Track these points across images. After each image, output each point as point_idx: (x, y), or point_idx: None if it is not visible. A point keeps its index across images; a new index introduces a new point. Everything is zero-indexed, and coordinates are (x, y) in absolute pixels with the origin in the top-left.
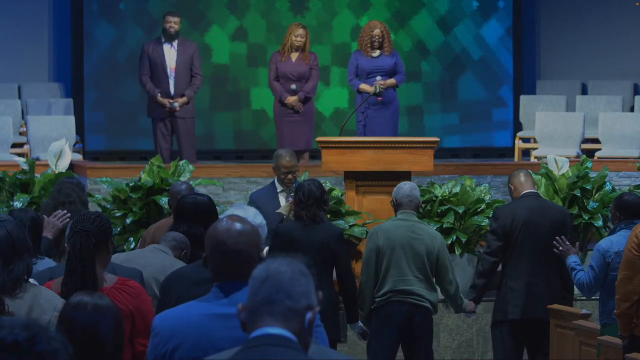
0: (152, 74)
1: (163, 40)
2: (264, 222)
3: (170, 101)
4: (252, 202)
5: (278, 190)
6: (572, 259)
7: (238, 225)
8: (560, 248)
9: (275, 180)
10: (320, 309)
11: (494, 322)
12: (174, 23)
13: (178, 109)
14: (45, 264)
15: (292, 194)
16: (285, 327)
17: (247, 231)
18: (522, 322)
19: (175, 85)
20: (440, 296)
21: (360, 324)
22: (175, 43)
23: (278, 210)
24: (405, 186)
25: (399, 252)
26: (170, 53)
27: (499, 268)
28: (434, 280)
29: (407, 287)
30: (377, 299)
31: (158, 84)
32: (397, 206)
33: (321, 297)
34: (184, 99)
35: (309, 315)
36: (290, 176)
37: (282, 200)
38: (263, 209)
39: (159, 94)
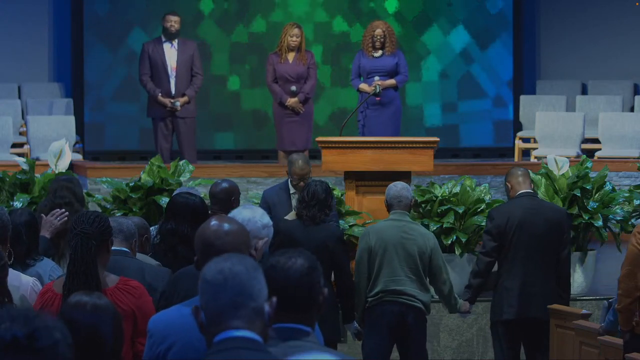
0: (152, 73)
1: (163, 39)
2: (271, 222)
3: (172, 100)
4: (264, 200)
5: (291, 192)
6: None
7: (226, 226)
8: None
9: (289, 182)
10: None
11: (491, 322)
12: (174, 22)
13: (179, 108)
14: (43, 264)
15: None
16: (251, 329)
17: (235, 231)
18: (518, 322)
19: (176, 85)
20: (435, 297)
21: (355, 324)
22: (175, 42)
23: (286, 217)
24: (394, 187)
25: (390, 252)
26: (170, 52)
27: (495, 268)
28: (427, 280)
29: (399, 287)
30: (369, 299)
31: (159, 83)
32: (388, 207)
33: (326, 294)
34: (185, 99)
35: (267, 309)
36: (302, 183)
37: (295, 203)
38: (274, 208)
39: (160, 94)
